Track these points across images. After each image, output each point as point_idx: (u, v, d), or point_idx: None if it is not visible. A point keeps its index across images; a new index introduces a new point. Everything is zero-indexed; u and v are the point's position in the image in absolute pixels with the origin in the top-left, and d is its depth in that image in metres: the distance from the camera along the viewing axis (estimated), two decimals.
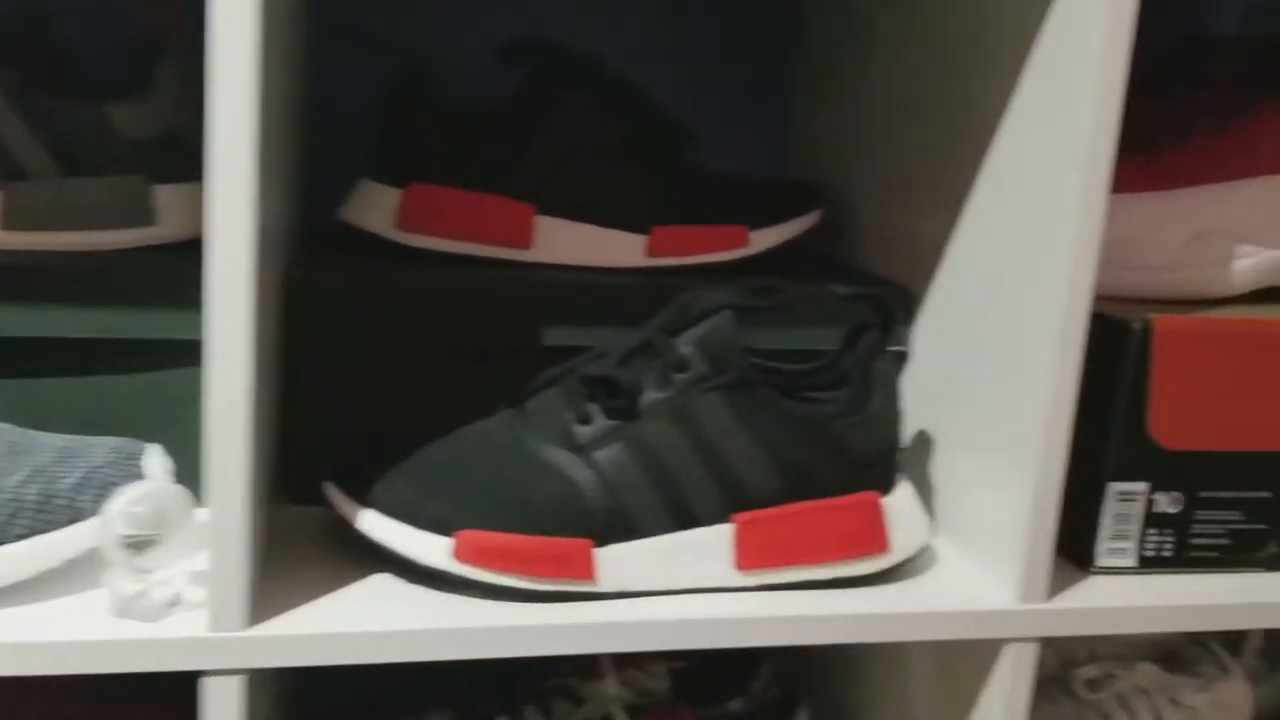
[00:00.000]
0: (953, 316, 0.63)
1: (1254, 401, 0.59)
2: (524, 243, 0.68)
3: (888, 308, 0.59)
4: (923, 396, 0.66)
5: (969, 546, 0.61)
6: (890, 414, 0.58)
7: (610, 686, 0.76)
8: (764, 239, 0.72)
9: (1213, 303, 0.66)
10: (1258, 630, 0.85)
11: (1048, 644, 0.78)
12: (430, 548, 0.53)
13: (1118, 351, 0.58)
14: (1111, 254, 0.65)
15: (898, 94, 0.70)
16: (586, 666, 0.77)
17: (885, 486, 0.58)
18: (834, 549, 0.57)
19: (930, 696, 0.65)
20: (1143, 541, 0.61)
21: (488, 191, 0.68)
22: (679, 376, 0.55)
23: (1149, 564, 0.61)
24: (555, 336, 0.64)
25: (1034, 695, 0.80)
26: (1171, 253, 0.66)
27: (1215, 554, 0.62)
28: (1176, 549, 0.61)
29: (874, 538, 0.57)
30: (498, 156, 0.68)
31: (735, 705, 0.79)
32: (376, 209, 0.68)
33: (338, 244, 0.68)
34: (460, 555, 0.53)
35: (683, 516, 0.55)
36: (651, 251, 0.70)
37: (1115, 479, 0.60)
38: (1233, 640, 0.87)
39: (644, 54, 0.86)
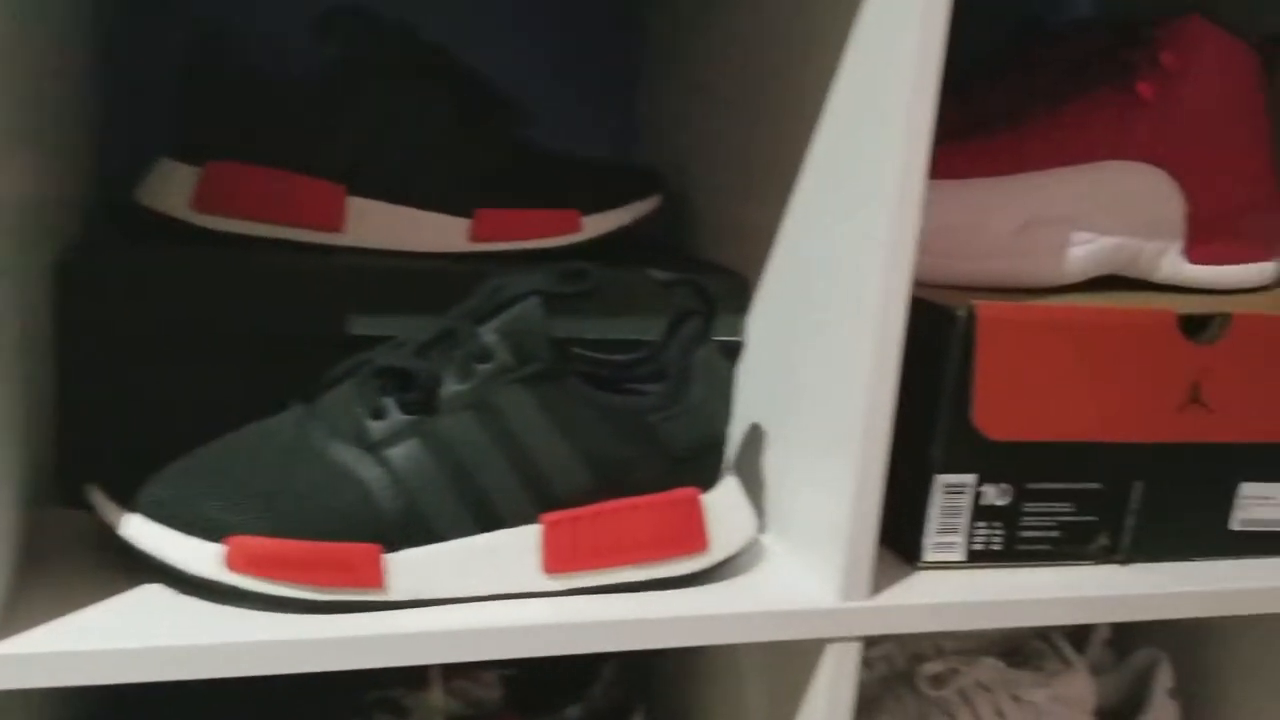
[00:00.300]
0: (784, 306, 0.61)
1: (1080, 391, 0.58)
2: (334, 225, 0.64)
3: (709, 295, 0.56)
4: (757, 388, 0.63)
5: (796, 544, 0.59)
6: (713, 406, 0.55)
7: (436, 698, 0.72)
8: (598, 224, 0.69)
9: (1047, 291, 0.65)
10: (1105, 623, 0.84)
11: (896, 642, 0.77)
12: (198, 555, 0.49)
13: (942, 340, 0.56)
14: (943, 241, 0.64)
15: (733, 79, 0.68)
16: (414, 677, 0.73)
17: (707, 482, 0.55)
18: (649, 549, 0.53)
19: (762, 697, 0.63)
20: (971, 535, 0.59)
21: (296, 171, 0.63)
22: (481, 367, 0.52)
23: (978, 558, 0.59)
24: (365, 326, 0.60)
25: (880, 693, 0.78)
26: (1003, 240, 0.64)
27: (1046, 547, 0.60)
28: (1006, 542, 0.60)
29: (692, 536, 0.54)
30: (307, 133, 0.64)
31: (573, 712, 0.76)
32: (172, 189, 0.63)
33: (129, 227, 0.63)
34: (232, 563, 0.48)
35: (485, 518, 0.52)
36: (475, 236, 0.66)
37: (942, 471, 0.58)
38: (1080, 632, 0.87)
39: (493, 33, 0.82)
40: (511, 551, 0.52)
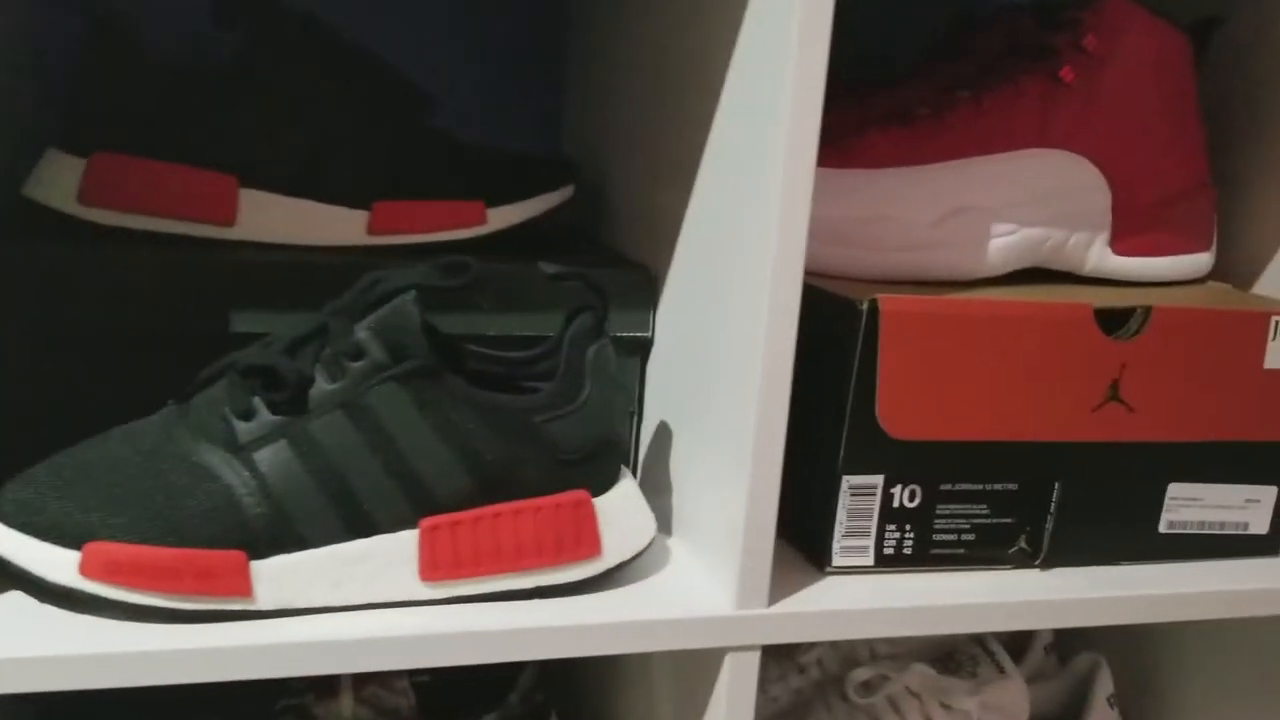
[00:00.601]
0: (688, 301, 0.58)
1: (991, 389, 0.55)
2: (226, 219, 0.62)
3: (601, 290, 0.54)
4: (666, 385, 0.61)
5: (697, 549, 0.56)
6: (606, 406, 0.53)
7: (346, 706, 0.69)
8: (504, 216, 0.66)
9: (969, 285, 0.62)
10: (1045, 629, 0.82)
11: (829, 646, 0.74)
12: (53, 562, 0.46)
13: (846, 335, 0.54)
14: (859, 233, 0.61)
15: (643, 72, 0.65)
16: (324, 684, 0.70)
17: (601, 484, 0.53)
18: (536, 555, 0.51)
19: (669, 704, 0.60)
20: (881, 538, 0.57)
21: (187, 162, 0.61)
22: (353, 365, 0.49)
23: (888, 562, 0.57)
24: (256, 324, 0.57)
25: (813, 697, 0.76)
26: (921, 232, 0.62)
27: (961, 550, 0.58)
28: (918, 546, 0.57)
29: (583, 541, 0.52)
30: (199, 123, 0.61)
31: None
32: (58, 181, 0.60)
33: (15, 222, 0.61)
34: (87, 571, 0.46)
35: (358, 523, 0.49)
36: (374, 229, 0.64)
37: (848, 472, 0.55)
38: (1021, 637, 0.85)
39: (423, 23, 0.80)
40: (386, 559, 0.50)
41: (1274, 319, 0.59)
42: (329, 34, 0.64)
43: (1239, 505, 0.62)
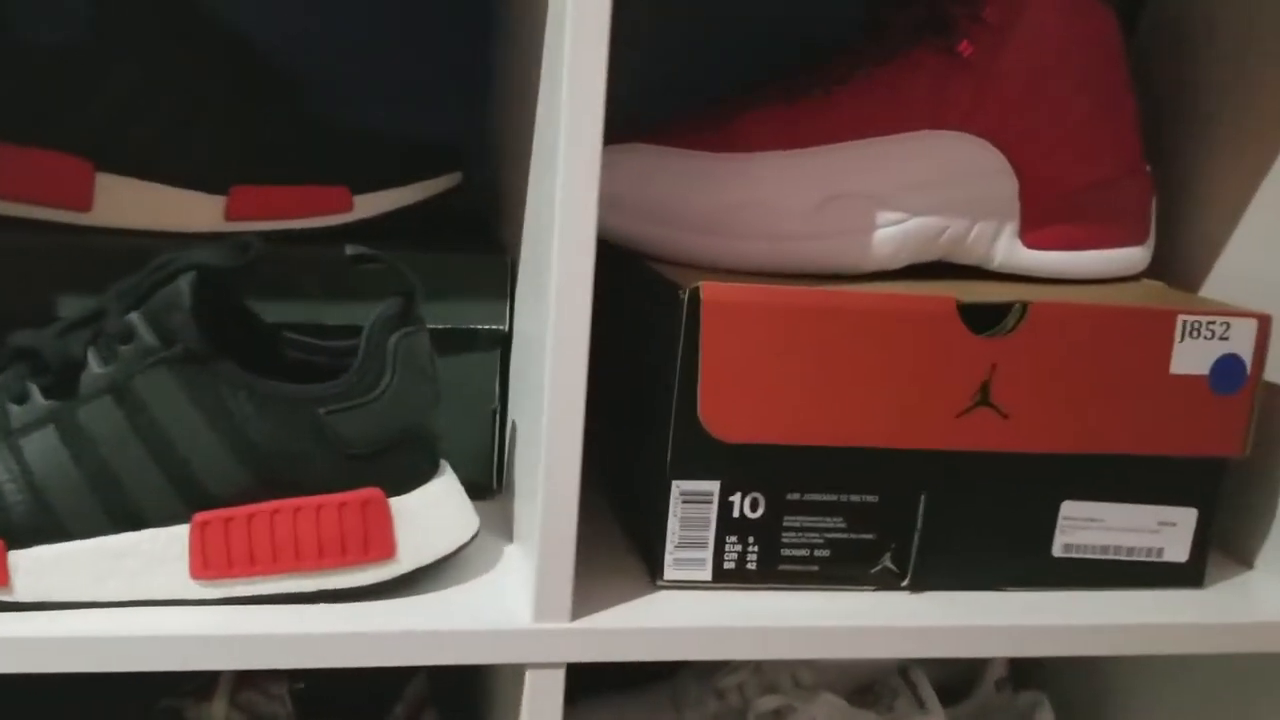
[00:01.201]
0: (524, 291, 0.54)
1: (834, 389, 0.50)
2: (81, 204, 0.60)
3: (405, 275, 0.50)
4: (517, 383, 0.57)
5: (511, 557, 0.52)
6: (409, 399, 0.50)
7: (219, 710, 0.67)
8: (373, 203, 0.63)
9: (857, 279, 0.57)
10: (1000, 657, 0.75)
11: (750, 669, 0.69)
12: None
13: (670, 325, 0.49)
14: (732, 221, 0.56)
15: (517, 56, 0.62)
16: (203, 686, 0.68)
17: (400, 483, 0.49)
18: (318, 555, 0.48)
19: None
20: (721, 551, 0.52)
21: (41, 145, 0.60)
22: (123, 349, 0.47)
23: (729, 577, 0.52)
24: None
25: None
26: (799, 219, 0.57)
27: (814, 568, 0.53)
28: (763, 561, 0.52)
29: (373, 543, 0.48)
30: (53, 104, 0.60)
31: None
32: None
33: None
34: None
35: (127, 516, 0.47)
36: (231, 215, 0.61)
37: (678, 476, 0.51)
38: (977, 667, 0.78)
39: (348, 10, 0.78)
40: (154, 554, 0.47)
41: (1181, 319, 0.52)
42: (188, 10, 0.62)
43: (1151, 529, 0.55)
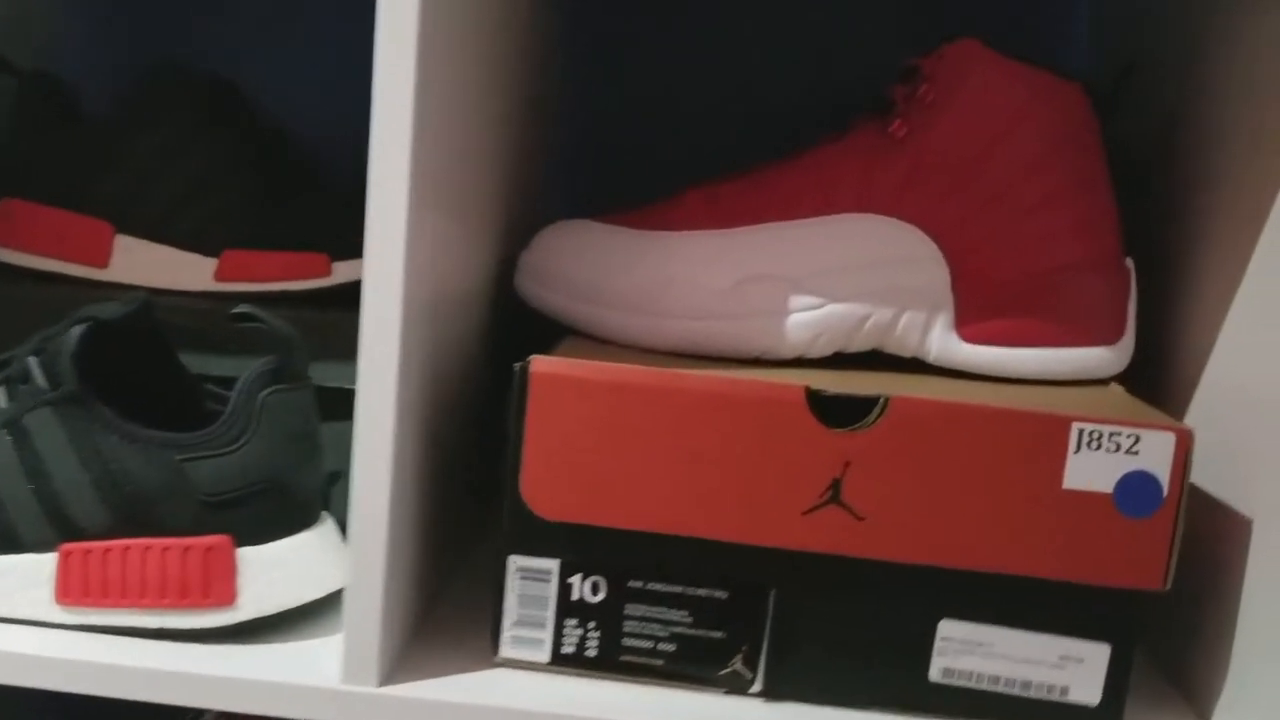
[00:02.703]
0: None
1: (670, 474, 0.48)
2: (100, 262, 0.67)
3: (283, 337, 0.53)
4: None
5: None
6: (269, 454, 0.52)
7: None
8: (349, 270, 0.67)
9: (777, 365, 0.55)
10: None
11: None
12: None
13: (510, 398, 0.49)
14: (655, 299, 0.56)
15: None
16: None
17: (256, 534, 0.52)
18: (161, 594, 0.51)
19: None
20: (560, 634, 0.50)
21: (70, 208, 0.68)
22: (22, 388, 0.52)
23: (568, 661, 0.51)
24: None
25: None
26: (714, 298, 0.55)
27: (659, 662, 0.50)
28: (605, 648, 0.50)
29: (215, 589, 0.51)
30: (84, 171, 0.68)
31: None
32: None
33: None
34: None
35: (8, 539, 0.51)
36: (220, 276, 0.67)
37: (515, 551, 0.50)
38: None
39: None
40: (26, 576, 0.51)
41: (1077, 427, 0.47)
42: (204, 82, 0.68)
43: (1052, 662, 0.49)
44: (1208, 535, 0.53)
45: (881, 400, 0.47)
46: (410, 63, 0.44)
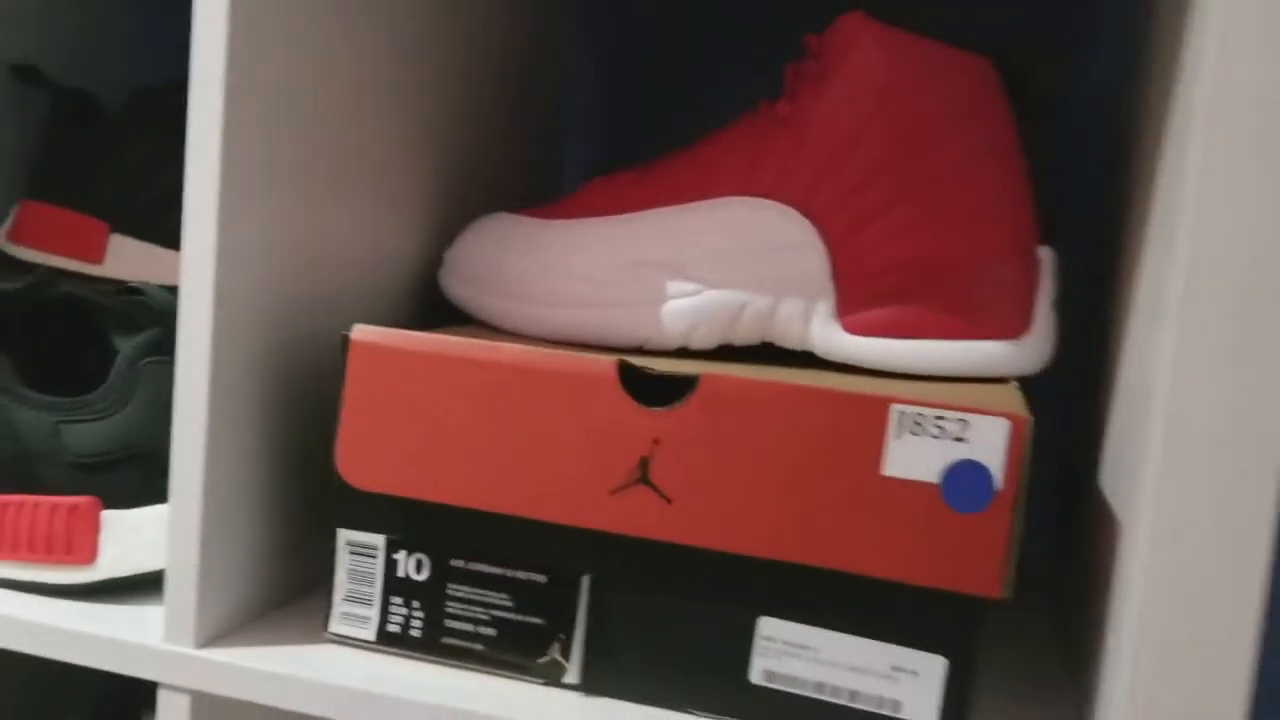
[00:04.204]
0: None
1: (489, 449, 0.46)
2: (96, 258, 0.72)
3: (155, 310, 0.55)
4: None
5: None
6: (142, 422, 0.54)
7: None
8: None
9: (676, 356, 0.53)
10: None
11: None
12: None
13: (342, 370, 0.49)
14: (536, 287, 0.56)
15: None
16: None
17: (126, 498, 0.54)
18: (29, 549, 0.53)
19: None
20: (386, 612, 0.49)
21: (70, 207, 0.73)
22: None
23: (393, 641, 0.49)
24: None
25: None
26: (590, 287, 0.54)
27: (478, 647, 0.48)
28: (428, 630, 0.49)
29: (78, 547, 0.53)
30: (83, 172, 0.73)
31: None
32: (3, 224, 0.75)
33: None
34: None
35: None
36: None
37: (345, 525, 0.50)
38: None
39: None
40: None
41: (896, 409, 0.43)
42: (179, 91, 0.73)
43: (882, 673, 0.44)
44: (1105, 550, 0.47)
45: (694, 379, 0.44)
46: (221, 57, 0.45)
